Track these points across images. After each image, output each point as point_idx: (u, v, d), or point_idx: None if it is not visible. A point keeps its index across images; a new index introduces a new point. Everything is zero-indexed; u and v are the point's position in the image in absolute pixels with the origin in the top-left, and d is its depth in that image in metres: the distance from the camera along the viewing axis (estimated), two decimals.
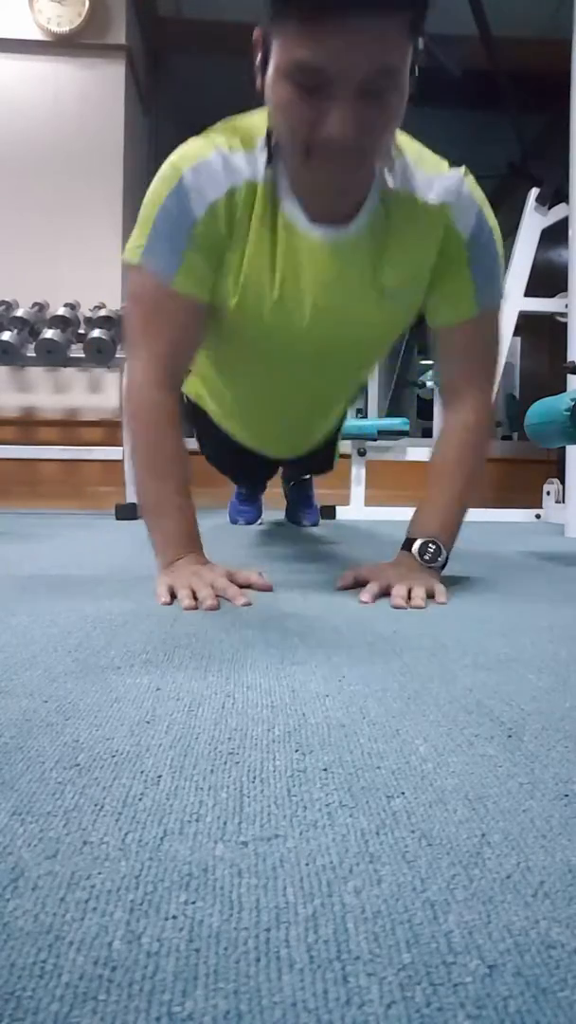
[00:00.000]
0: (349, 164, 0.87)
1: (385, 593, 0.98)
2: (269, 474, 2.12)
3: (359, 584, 1.03)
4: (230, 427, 1.51)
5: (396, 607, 0.93)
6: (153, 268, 0.98)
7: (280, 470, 2.27)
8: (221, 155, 0.94)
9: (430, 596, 0.97)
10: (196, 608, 0.90)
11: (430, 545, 1.05)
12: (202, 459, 2.04)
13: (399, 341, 1.54)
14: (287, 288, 1.00)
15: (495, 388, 1.16)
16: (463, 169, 1.00)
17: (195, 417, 1.60)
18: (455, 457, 1.10)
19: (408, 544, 1.07)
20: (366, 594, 0.97)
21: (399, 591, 0.96)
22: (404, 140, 1.00)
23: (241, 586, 1.00)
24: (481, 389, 1.11)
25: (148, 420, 1.02)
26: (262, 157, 0.95)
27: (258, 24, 0.84)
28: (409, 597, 0.96)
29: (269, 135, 0.93)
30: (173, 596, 0.94)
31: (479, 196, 1.01)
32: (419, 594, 0.96)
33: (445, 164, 1.00)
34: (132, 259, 0.99)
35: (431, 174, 0.98)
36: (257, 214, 0.96)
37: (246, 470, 1.97)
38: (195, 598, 0.92)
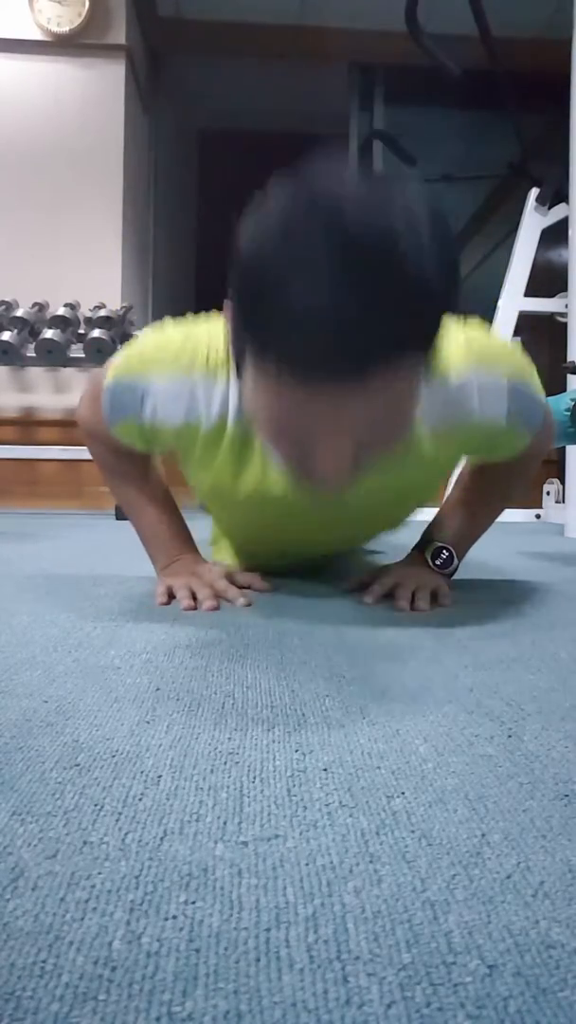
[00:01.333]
0: (350, 486, 0.70)
1: (390, 594, 0.98)
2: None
3: (365, 585, 1.02)
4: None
5: (399, 610, 0.92)
6: (104, 403, 0.89)
7: None
8: (190, 389, 0.83)
9: (434, 597, 0.97)
10: (195, 609, 0.90)
11: (443, 551, 1.03)
12: None
13: None
14: (272, 513, 0.92)
15: (553, 436, 1.04)
16: (463, 343, 0.81)
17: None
18: (499, 479, 1.01)
19: (423, 545, 1.06)
20: (370, 596, 0.97)
21: (403, 593, 0.96)
22: (448, 349, 0.78)
23: (241, 587, 0.99)
24: (540, 439, 0.95)
25: (102, 449, 0.99)
26: (234, 403, 0.83)
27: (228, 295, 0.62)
28: (413, 600, 0.95)
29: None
30: (172, 597, 0.94)
31: (498, 363, 0.83)
32: (423, 596, 0.95)
33: (453, 356, 0.80)
34: (107, 370, 0.90)
35: (445, 391, 0.80)
36: (227, 445, 0.86)
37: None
38: (194, 599, 0.92)
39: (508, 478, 1.01)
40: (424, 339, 0.59)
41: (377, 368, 0.56)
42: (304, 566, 1.20)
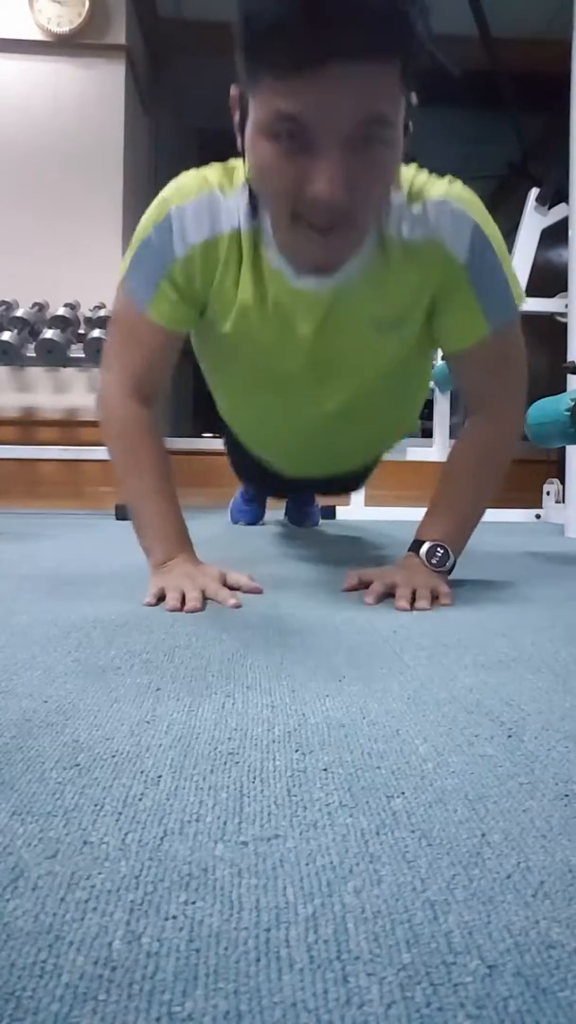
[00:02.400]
0: (338, 226, 0.79)
1: (390, 594, 0.98)
2: (290, 489, 2.00)
3: (364, 585, 1.02)
4: (244, 438, 1.42)
5: (399, 609, 0.92)
6: (130, 293, 0.99)
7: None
8: (212, 197, 0.93)
9: (435, 597, 0.97)
10: (180, 610, 0.90)
11: (438, 549, 1.03)
12: (194, 459, 2.04)
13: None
14: (279, 333, 0.99)
15: (523, 401, 1.09)
16: (446, 184, 0.94)
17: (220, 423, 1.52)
18: (474, 465, 1.07)
19: (416, 546, 1.06)
20: (370, 595, 0.97)
21: (403, 593, 0.96)
22: (430, 178, 0.95)
23: (231, 588, 0.99)
24: (507, 403, 1.06)
25: (123, 429, 1.03)
26: (244, 202, 0.93)
27: (234, 81, 0.78)
28: (413, 599, 0.95)
29: (251, 189, 0.90)
30: (160, 598, 0.94)
31: (472, 208, 0.94)
32: (423, 595, 0.96)
33: (434, 187, 0.93)
34: (120, 277, 1.01)
35: (425, 207, 0.92)
36: (244, 261, 0.95)
37: (266, 482, 1.85)
38: (183, 600, 0.92)
39: (490, 460, 1.05)
40: (399, 45, 0.69)
41: (355, 53, 0.67)
42: (304, 463, 1.38)
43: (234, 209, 0.93)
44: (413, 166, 0.95)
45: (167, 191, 0.96)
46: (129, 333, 1.02)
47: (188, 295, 0.98)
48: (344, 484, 1.82)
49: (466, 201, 0.94)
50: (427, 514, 1.08)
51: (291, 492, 2.04)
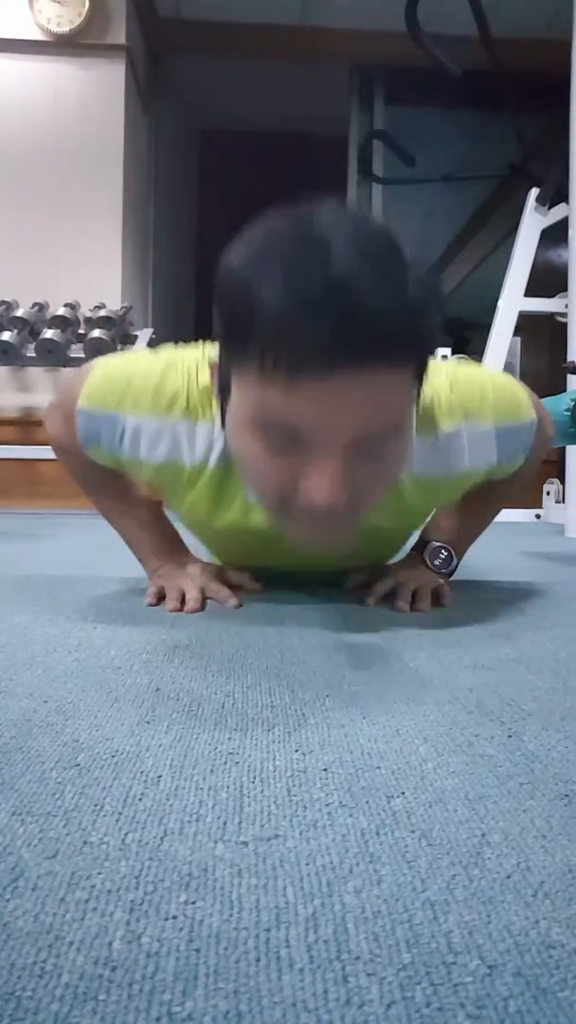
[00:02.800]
0: (338, 530, 0.68)
1: (391, 594, 0.98)
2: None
3: (368, 585, 1.02)
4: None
5: (399, 611, 0.92)
6: (78, 425, 0.83)
7: None
8: (176, 428, 0.79)
9: (435, 598, 0.97)
10: (180, 610, 0.89)
11: (442, 551, 1.03)
12: None
13: None
14: (252, 541, 0.89)
15: (549, 438, 0.99)
16: (448, 390, 0.80)
17: None
18: (487, 491, 0.97)
19: (421, 546, 1.06)
20: (371, 596, 0.96)
21: (403, 593, 0.96)
22: (430, 400, 0.79)
23: (231, 587, 0.99)
24: (528, 467, 0.94)
25: (78, 455, 0.89)
26: (217, 446, 0.79)
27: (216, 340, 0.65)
28: (414, 600, 0.95)
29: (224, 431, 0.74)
30: (161, 599, 0.94)
31: (483, 412, 0.81)
32: (424, 597, 0.96)
33: (442, 410, 0.79)
34: (79, 386, 0.83)
35: (433, 439, 0.79)
36: (208, 482, 0.82)
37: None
38: (183, 600, 0.92)
39: (508, 482, 0.97)
40: (412, 350, 0.59)
41: (364, 360, 0.55)
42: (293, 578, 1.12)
43: (203, 446, 0.80)
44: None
45: (121, 378, 0.80)
46: (67, 445, 0.89)
47: (132, 470, 0.87)
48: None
49: (474, 408, 0.81)
50: (437, 514, 1.05)
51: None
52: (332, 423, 0.58)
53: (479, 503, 1.02)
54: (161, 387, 0.79)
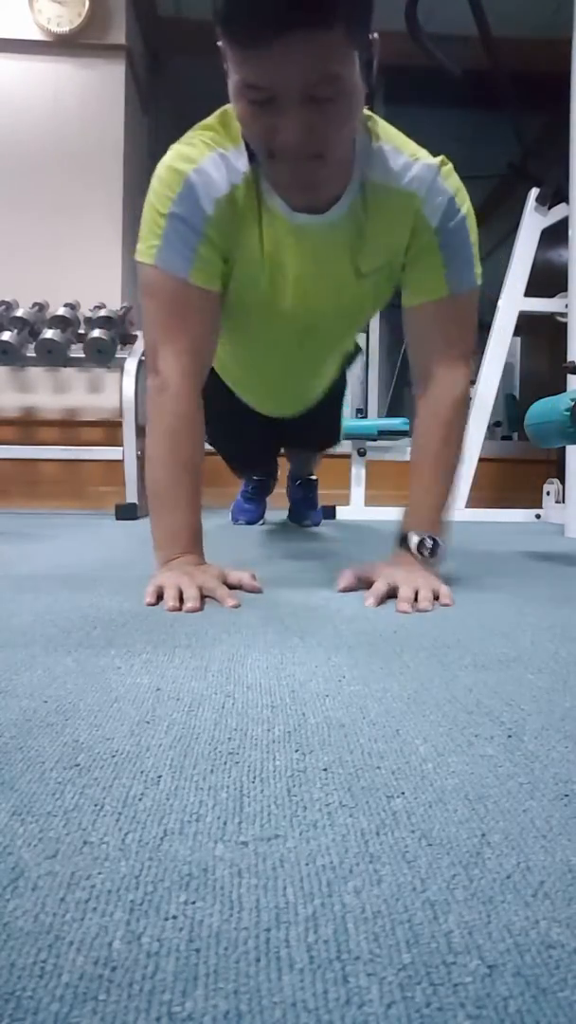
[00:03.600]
0: (307, 164, 0.92)
1: (391, 595, 0.98)
2: (274, 450, 2.10)
3: (365, 585, 1.02)
4: (230, 381, 1.56)
5: (401, 611, 0.92)
6: (169, 266, 1.02)
7: (288, 469, 2.28)
8: (218, 155, 1.00)
9: (435, 598, 0.97)
10: (179, 610, 0.90)
11: (427, 540, 1.05)
12: (208, 459, 2.05)
13: (401, 347, 1.62)
14: (273, 270, 1.07)
15: (469, 367, 1.15)
16: (440, 159, 1.05)
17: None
18: (436, 446, 1.11)
19: (404, 541, 1.07)
20: (371, 598, 0.96)
21: (405, 595, 0.96)
22: (385, 130, 1.04)
23: (232, 587, 0.99)
24: (455, 368, 1.12)
25: (178, 424, 1.04)
26: (244, 153, 1.01)
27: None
28: (415, 599, 0.95)
29: (246, 140, 0.98)
30: (160, 597, 0.94)
31: (453, 183, 1.05)
32: (426, 596, 0.96)
33: (424, 152, 1.05)
34: (147, 259, 1.03)
35: (407, 161, 1.03)
36: (248, 207, 1.02)
37: (251, 442, 1.93)
38: (181, 599, 0.92)
39: (450, 432, 1.11)
40: (337, 13, 0.79)
41: (297, 27, 0.77)
42: (286, 397, 1.56)
43: (237, 161, 1.01)
44: (381, 121, 1.06)
45: (174, 161, 1.01)
46: (174, 309, 1.03)
47: (223, 251, 1.04)
48: (318, 433, 1.94)
49: (448, 175, 1.04)
50: (409, 506, 1.11)
51: (272, 449, 2.11)
52: (285, 78, 0.82)
53: (434, 473, 1.10)
54: (197, 142, 1.02)
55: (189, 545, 1.03)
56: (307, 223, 1.03)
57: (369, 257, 1.08)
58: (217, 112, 1.03)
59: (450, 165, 1.05)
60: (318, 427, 1.86)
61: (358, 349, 1.71)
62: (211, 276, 1.04)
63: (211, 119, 1.03)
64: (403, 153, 1.03)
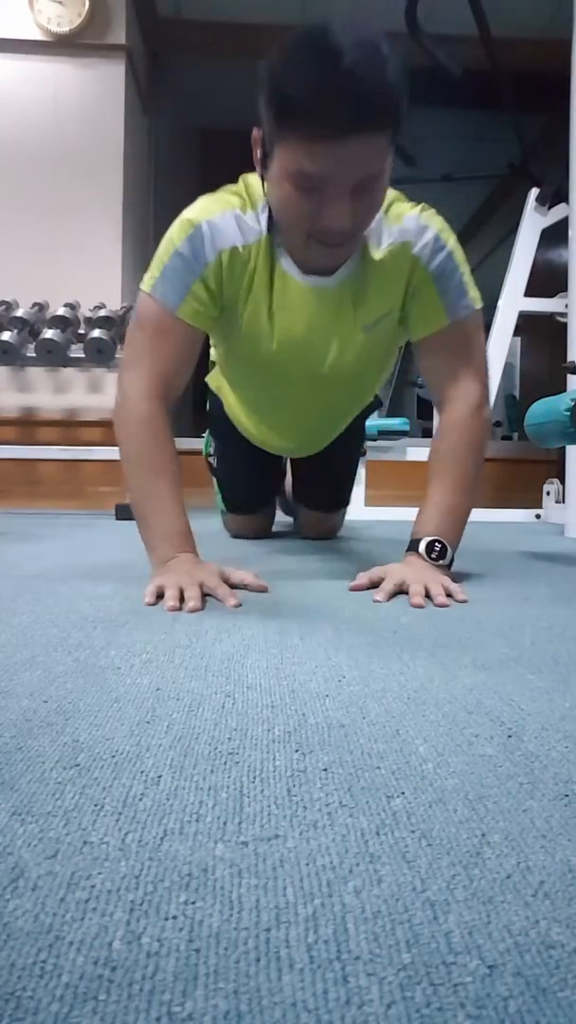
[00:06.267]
0: (343, 246, 1.05)
1: (399, 592, 0.98)
2: (272, 494, 2.01)
3: (373, 586, 1.03)
4: (242, 418, 1.58)
5: (415, 606, 0.92)
6: (161, 298, 1.10)
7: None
8: (234, 215, 1.11)
9: (448, 595, 0.97)
10: (179, 609, 0.89)
11: (436, 544, 1.06)
12: (194, 459, 2.05)
13: (397, 358, 1.63)
14: (282, 327, 1.19)
15: (487, 384, 1.21)
16: (421, 205, 1.16)
17: (212, 414, 1.72)
18: (454, 455, 1.15)
19: (414, 545, 1.07)
20: (380, 593, 0.97)
21: (417, 589, 0.96)
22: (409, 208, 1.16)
23: (234, 586, 0.99)
24: (470, 384, 1.17)
25: (139, 426, 1.07)
26: (263, 220, 1.12)
27: (256, 125, 0.99)
28: (427, 595, 0.96)
29: (269, 208, 1.09)
30: (160, 597, 0.94)
31: (437, 223, 1.15)
32: (438, 591, 0.96)
33: (407, 207, 1.15)
34: (145, 289, 1.12)
35: (396, 223, 1.14)
36: (260, 268, 1.14)
37: (251, 483, 1.88)
38: (182, 599, 0.92)
39: (471, 445, 1.15)
40: (392, 118, 0.90)
41: (364, 128, 0.88)
42: (300, 445, 1.59)
43: (253, 224, 1.12)
44: (393, 192, 1.15)
45: (192, 212, 1.12)
46: (158, 334, 1.10)
47: (215, 296, 1.13)
48: (330, 486, 1.88)
49: (430, 218, 1.15)
50: (421, 512, 1.12)
51: (270, 494, 2.05)
52: (343, 171, 0.93)
53: (451, 484, 1.13)
54: (216, 200, 1.13)
55: (183, 544, 1.03)
56: (317, 284, 1.15)
57: (372, 309, 1.18)
58: (240, 178, 1.15)
59: (431, 209, 1.16)
60: (330, 480, 1.82)
61: (378, 402, 1.74)
62: (199, 316, 1.11)
63: (236, 185, 1.15)
64: (392, 214, 1.14)
